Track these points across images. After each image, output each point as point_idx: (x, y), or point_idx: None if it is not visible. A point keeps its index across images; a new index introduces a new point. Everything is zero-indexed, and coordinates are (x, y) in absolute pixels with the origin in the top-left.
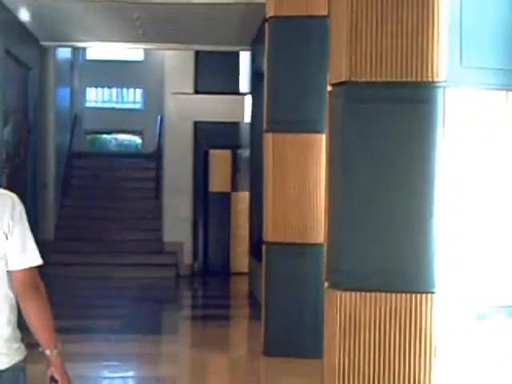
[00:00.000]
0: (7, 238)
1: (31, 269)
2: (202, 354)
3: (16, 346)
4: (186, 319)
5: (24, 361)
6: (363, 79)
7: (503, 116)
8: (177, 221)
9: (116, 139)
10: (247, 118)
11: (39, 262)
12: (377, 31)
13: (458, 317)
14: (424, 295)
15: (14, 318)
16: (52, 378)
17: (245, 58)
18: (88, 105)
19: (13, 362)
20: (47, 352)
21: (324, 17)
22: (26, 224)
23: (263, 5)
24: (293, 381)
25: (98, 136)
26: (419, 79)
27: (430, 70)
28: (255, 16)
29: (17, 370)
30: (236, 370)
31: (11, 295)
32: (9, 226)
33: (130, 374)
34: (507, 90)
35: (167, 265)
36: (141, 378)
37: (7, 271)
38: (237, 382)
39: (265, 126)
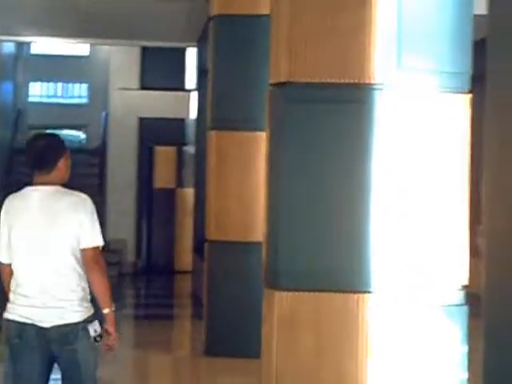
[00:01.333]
0: (81, 226)
1: (93, 248)
2: (144, 354)
3: (86, 305)
4: (128, 318)
5: (91, 316)
6: (302, 80)
7: (439, 117)
8: (120, 218)
9: (60, 134)
10: (193, 115)
11: (99, 243)
12: (315, 33)
13: (394, 316)
14: (360, 295)
15: (84, 284)
16: (106, 331)
17: (191, 54)
18: (32, 99)
19: (84, 317)
20: (104, 311)
21: (267, 16)
22: (95, 217)
23: (208, 1)
24: (233, 380)
25: (42, 131)
26: (357, 81)
27: (368, 72)
28: (201, 13)
29: (87, 323)
30: (177, 370)
31: (78, 267)
32: (82, 218)
33: None
34: (443, 92)
35: (110, 263)
36: None
37: (80, 249)
38: (177, 382)
39: (208, 123)
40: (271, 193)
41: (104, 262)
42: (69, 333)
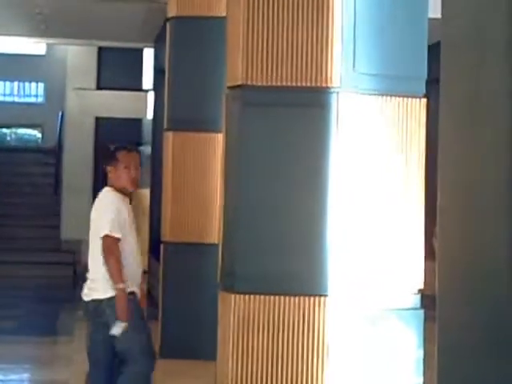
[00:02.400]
0: (100, 219)
1: (104, 237)
2: None
3: (109, 284)
4: (82, 320)
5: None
6: (259, 83)
7: (395, 121)
8: (76, 218)
9: (16, 133)
10: (150, 115)
11: (105, 233)
12: (272, 36)
13: (349, 320)
14: (317, 298)
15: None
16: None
17: (149, 54)
18: None
19: (108, 295)
20: (114, 286)
21: (225, 18)
22: (105, 209)
23: (166, 3)
24: (187, 382)
25: None
26: (313, 84)
27: (324, 76)
28: (159, 13)
29: (110, 300)
30: None
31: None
32: (98, 211)
33: (24, 377)
34: (399, 96)
35: (64, 263)
36: (35, 382)
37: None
38: None
39: (165, 124)
40: (227, 195)
41: (113, 248)
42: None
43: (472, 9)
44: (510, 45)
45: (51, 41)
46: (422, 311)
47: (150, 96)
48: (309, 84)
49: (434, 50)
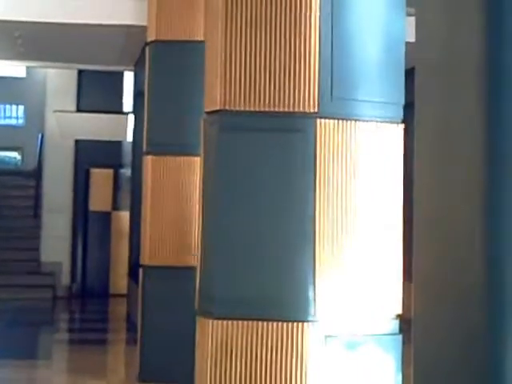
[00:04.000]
0: None
1: None
2: (77, 380)
3: None
4: (61, 343)
5: None
6: (237, 108)
7: (373, 147)
8: (55, 240)
9: None
10: (130, 137)
11: None
12: (250, 61)
13: (328, 345)
14: (295, 324)
15: None
16: None
17: (129, 77)
18: None
19: None
20: None
21: (204, 42)
22: None
23: (146, 27)
24: None
25: None
26: (291, 109)
27: (302, 101)
28: (139, 37)
29: None
30: None
31: None
32: None
33: None
34: (376, 122)
35: (44, 286)
36: None
37: None
38: None
39: (144, 148)
40: (205, 219)
41: None
42: None
43: (444, 35)
44: (481, 71)
45: (31, 64)
46: (400, 336)
47: (131, 119)
48: (287, 109)
49: (411, 75)
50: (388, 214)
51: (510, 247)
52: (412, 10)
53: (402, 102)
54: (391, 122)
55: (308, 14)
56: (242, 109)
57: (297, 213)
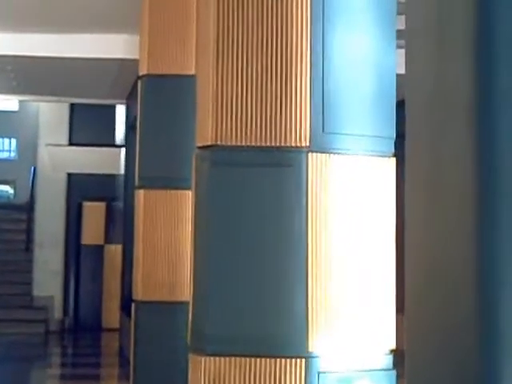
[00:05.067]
0: None
1: None
2: None
3: None
4: (54, 378)
5: None
6: (228, 143)
7: (364, 181)
8: (47, 274)
9: None
10: (122, 170)
11: None
12: (242, 96)
13: (323, 381)
14: (290, 360)
15: None
16: None
17: (121, 110)
18: None
19: None
20: None
21: (195, 76)
22: None
23: (138, 60)
24: None
25: None
26: (283, 144)
27: (294, 136)
28: (131, 70)
29: None
30: None
31: None
32: None
33: None
34: (368, 156)
35: (36, 320)
36: None
37: None
38: None
39: (136, 182)
40: (197, 254)
41: None
42: None
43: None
44: (471, 107)
45: (23, 97)
46: (393, 371)
47: (123, 152)
48: (279, 144)
49: (402, 106)
50: (380, 247)
51: (502, 281)
52: (402, 42)
53: (394, 135)
54: (383, 156)
55: (299, 48)
56: (234, 144)
57: (289, 248)
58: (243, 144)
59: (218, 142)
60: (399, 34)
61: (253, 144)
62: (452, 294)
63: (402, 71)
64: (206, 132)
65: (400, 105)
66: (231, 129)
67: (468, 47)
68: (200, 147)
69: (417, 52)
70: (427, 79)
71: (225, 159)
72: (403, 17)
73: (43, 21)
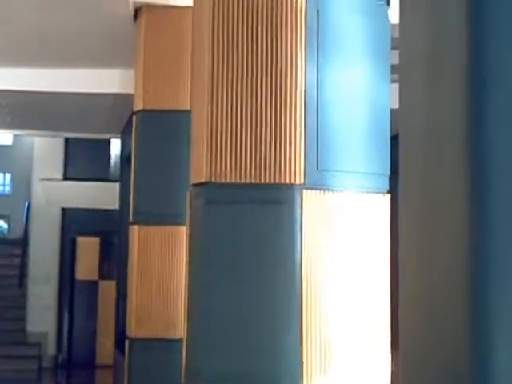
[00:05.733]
0: None
1: None
2: None
3: None
4: None
5: None
6: (223, 180)
7: (359, 217)
8: (41, 310)
9: None
10: (117, 205)
11: None
12: (236, 133)
13: None
14: None
15: None
16: None
17: (116, 144)
18: None
19: None
20: None
21: (190, 111)
22: None
23: (133, 95)
24: None
25: None
26: (277, 181)
27: (288, 173)
28: (125, 105)
29: None
30: None
31: None
32: None
33: None
34: (362, 193)
35: (30, 357)
36: None
37: None
38: None
39: (130, 217)
40: (191, 292)
41: None
42: None
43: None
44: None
45: (18, 132)
46: None
47: (117, 186)
48: (273, 181)
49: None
50: (375, 284)
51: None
52: (396, 77)
53: (388, 172)
54: (377, 193)
55: (294, 85)
56: (229, 181)
57: (283, 287)
58: (238, 181)
59: (213, 179)
60: (394, 68)
61: (247, 181)
62: (448, 331)
63: (396, 106)
64: (200, 169)
65: (396, 139)
66: (226, 166)
67: (461, 83)
68: (194, 184)
69: (409, 88)
70: (420, 115)
71: (219, 196)
72: (397, 51)
73: (38, 56)
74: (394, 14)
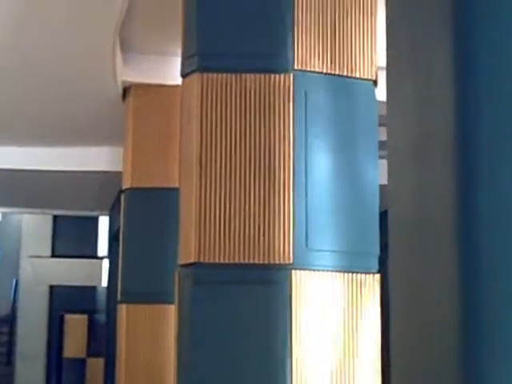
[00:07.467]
0: None
1: None
2: None
3: None
4: None
5: None
6: (211, 261)
7: (349, 297)
8: None
9: None
10: (105, 283)
11: None
12: (225, 213)
13: None
14: None
15: None
16: None
17: (104, 221)
18: None
19: None
20: None
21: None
22: None
23: (121, 173)
24: None
25: None
26: (266, 261)
27: (277, 253)
28: (114, 182)
29: None
30: None
31: None
32: None
33: None
34: (352, 273)
35: None
36: None
37: None
38: None
39: (119, 296)
40: (181, 371)
41: None
42: None
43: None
44: (452, 224)
45: (6, 210)
46: None
47: (105, 263)
48: (262, 261)
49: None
50: (366, 366)
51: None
52: (384, 153)
53: (377, 252)
54: (367, 273)
55: (282, 166)
56: (217, 261)
57: (273, 368)
58: (226, 261)
59: (201, 260)
60: (382, 144)
61: (236, 261)
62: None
63: (385, 182)
64: (188, 249)
65: (386, 215)
66: (214, 246)
67: (448, 164)
68: (183, 265)
69: (397, 169)
70: (407, 197)
71: (208, 277)
72: (385, 128)
73: (26, 134)
74: (381, 92)
